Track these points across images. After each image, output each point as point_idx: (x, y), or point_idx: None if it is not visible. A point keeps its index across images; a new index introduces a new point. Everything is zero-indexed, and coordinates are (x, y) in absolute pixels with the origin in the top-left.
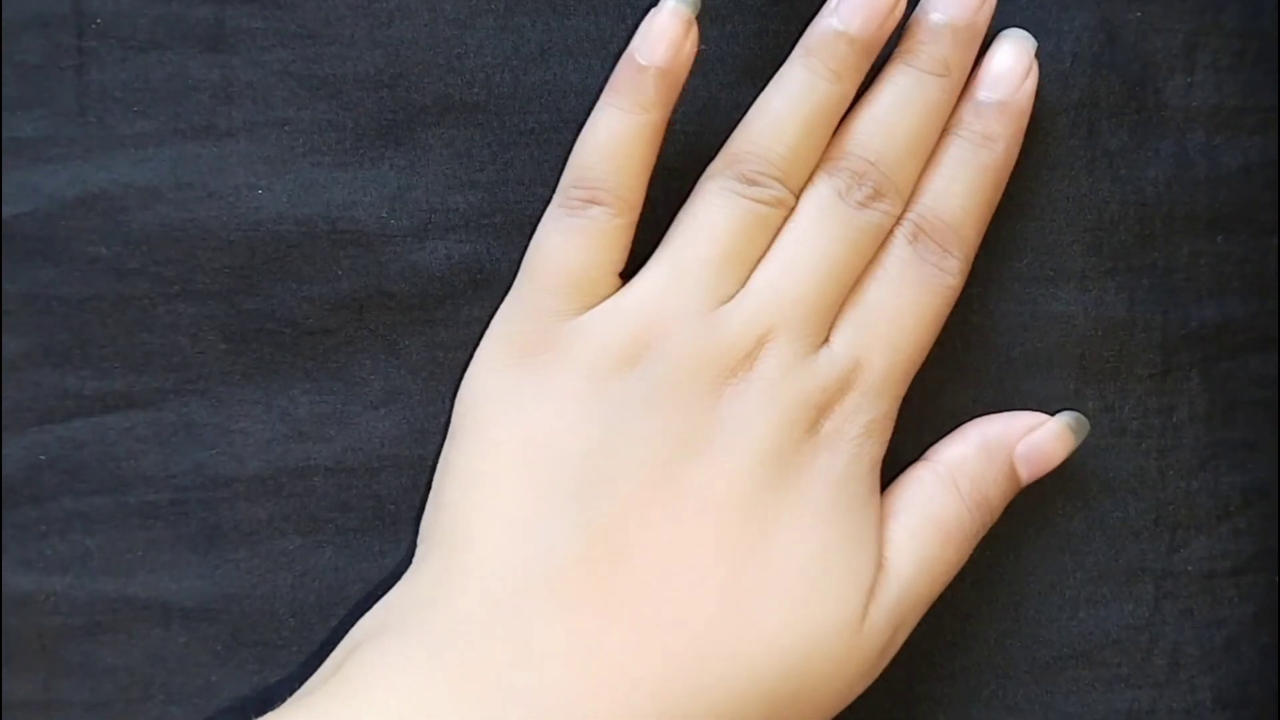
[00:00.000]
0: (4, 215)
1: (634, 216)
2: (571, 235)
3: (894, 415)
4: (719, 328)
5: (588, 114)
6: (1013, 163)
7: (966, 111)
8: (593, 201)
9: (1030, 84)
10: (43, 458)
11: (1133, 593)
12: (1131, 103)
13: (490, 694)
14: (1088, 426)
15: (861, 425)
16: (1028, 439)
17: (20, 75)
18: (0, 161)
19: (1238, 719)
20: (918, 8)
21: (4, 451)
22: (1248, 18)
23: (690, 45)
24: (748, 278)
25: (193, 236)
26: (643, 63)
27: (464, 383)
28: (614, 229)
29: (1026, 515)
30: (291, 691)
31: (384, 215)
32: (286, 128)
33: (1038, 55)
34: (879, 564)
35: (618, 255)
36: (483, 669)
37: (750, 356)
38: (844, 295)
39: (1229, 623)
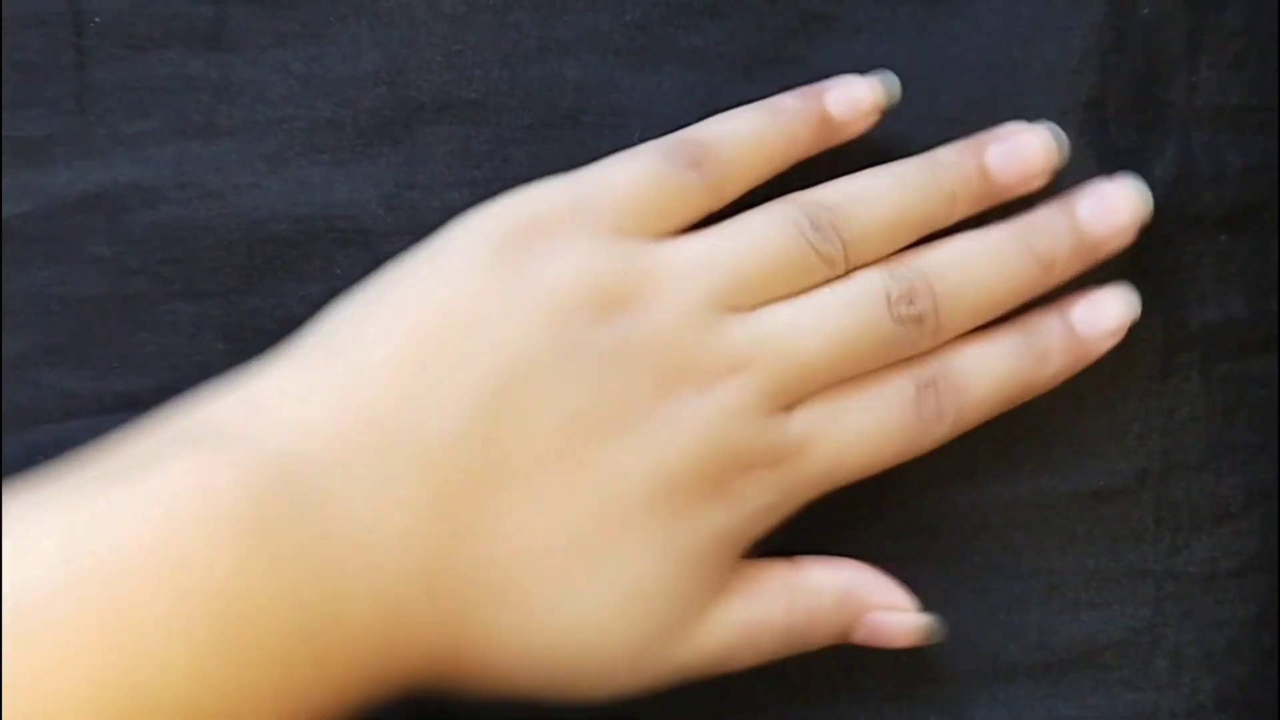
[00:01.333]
0: (4, 215)
1: (713, 206)
2: (652, 177)
3: (798, 508)
4: (707, 330)
5: (586, 111)
6: (1054, 385)
7: (1046, 323)
8: (696, 165)
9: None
10: (42, 458)
11: (1134, 595)
12: (1139, 101)
13: (296, 544)
14: (940, 632)
15: (767, 502)
16: (879, 616)
17: (19, 74)
18: (0, 161)
19: None
20: (1075, 194)
21: (3, 451)
22: (1249, 17)
23: (866, 124)
24: (761, 306)
25: (193, 236)
26: (819, 105)
27: (467, 217)
28: (693, 199)
29: (1026, 516)
30: None
31: (382, 213)
32: (285, 126)
33: (1044, 56)
34: (687, 627)
35: (674, 222)
36: (294, 504)
37: (716, 375)
38: (831, 379)
39: (1231, 624)
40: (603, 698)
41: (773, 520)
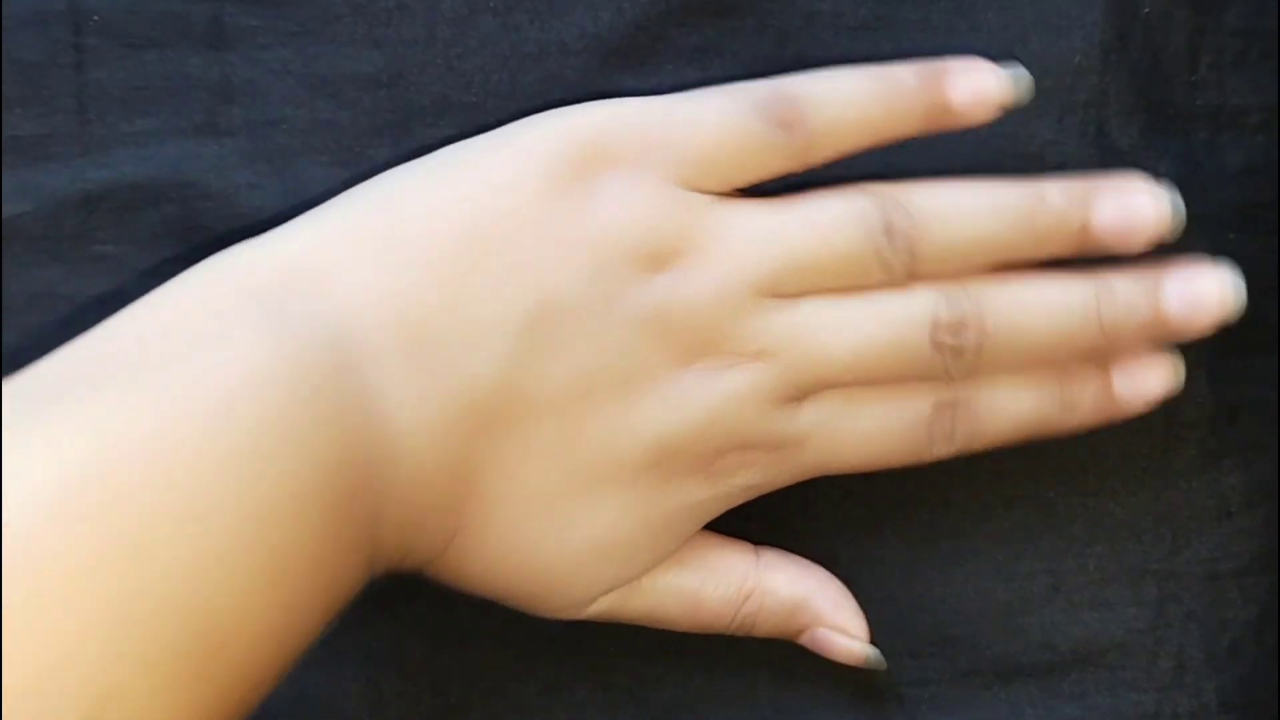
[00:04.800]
0: (4, 214)
1: (793, 170)
2: (739, 129)
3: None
4: (743, 310)
5: None
6: (1073, 433)
7: (1084, 376)
8: (787, 127)
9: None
10: None
11: (1136, 595)
12: (1141, 101)
13: (343, 433)
14: (880, 666)
15: (750, 483)
16: (826, 634)
17: (18, 73)
18: (0, 160)
19: None
20: (1166, 272)
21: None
22: (1249, 17)
23: (985, 117)
24: (804, 294)
25: (194, 235)
26: (938, 87)
27: (541, 118)
28: (773, 162)
29: (1027, 517)
30: (284, 692)
31: None
32: (285, 126)
33: (1044, 55)
34: (634, 585)
35: (746, 178)
36: (324, 390)
37: (739, 357)
38: (852, 381)
39: (1233, 625)
40: (540, 615)
41: (748, 498)
